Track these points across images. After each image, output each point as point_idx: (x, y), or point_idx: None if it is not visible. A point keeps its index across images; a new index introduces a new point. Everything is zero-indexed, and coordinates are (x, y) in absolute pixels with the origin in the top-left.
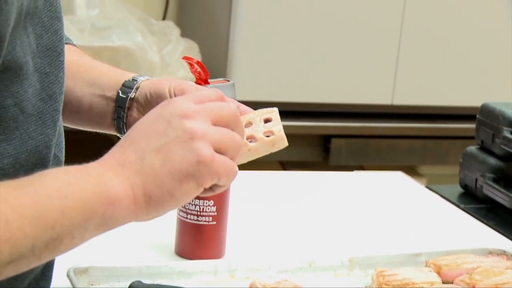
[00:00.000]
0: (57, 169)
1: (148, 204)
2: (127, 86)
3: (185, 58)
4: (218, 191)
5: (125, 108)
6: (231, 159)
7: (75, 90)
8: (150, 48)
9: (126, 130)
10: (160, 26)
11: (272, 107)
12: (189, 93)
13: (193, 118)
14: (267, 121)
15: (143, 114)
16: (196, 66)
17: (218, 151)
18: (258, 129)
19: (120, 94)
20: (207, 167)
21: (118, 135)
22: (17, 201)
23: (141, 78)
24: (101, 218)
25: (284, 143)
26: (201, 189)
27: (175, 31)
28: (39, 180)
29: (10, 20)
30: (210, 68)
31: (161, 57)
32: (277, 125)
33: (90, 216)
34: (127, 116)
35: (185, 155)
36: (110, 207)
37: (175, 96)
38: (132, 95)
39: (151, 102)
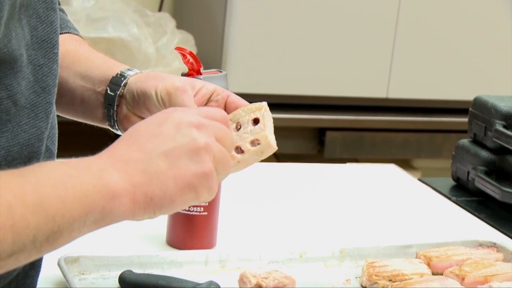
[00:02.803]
0: (57, 162)
1: (148, 205)
2: (114, 83)
3: (177, 48)
4: (196, 203)
5: (114, 105)
6: (220, 180)
7: (69, 81)
8: (145, 39)
9: (118, 126)
10: (156, 18)
11: (261, 101)
12: (177, 97)
13: (202, 130)
14: (256, 121)
15: (132, 112)
16: (188, 56)
17: (215, 168)
18: (246, 136)
19: (109, 91)
20: (207, 180)
21: (112, 129)
22: (19, 188)
23: (130, 72)
24: (100, 213)
25: (272, 149)
26: (198, 202)
27: (171, 23)
28: (40, 170)
29: (3, 12)
30: (205, 60)
31: (156, 49)
32: (264, 129)
33: (90, 209)
34: (117, 113)
35: (191, 165)
36: (110, 202)
37: (161, 99)
38: (119, 92)
39: (138, 101)
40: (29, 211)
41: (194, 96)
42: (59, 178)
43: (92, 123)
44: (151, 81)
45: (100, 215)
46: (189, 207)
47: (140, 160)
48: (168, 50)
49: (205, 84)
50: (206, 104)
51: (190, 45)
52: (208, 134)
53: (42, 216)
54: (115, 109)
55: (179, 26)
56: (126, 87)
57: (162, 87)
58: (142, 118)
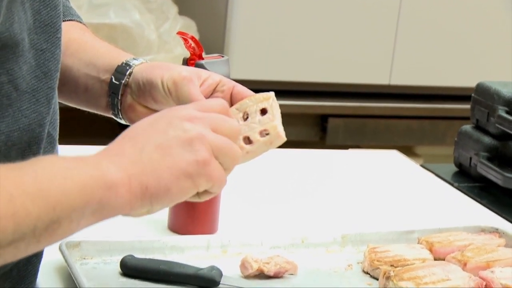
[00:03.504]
0: (53, 156)
1: (144, 196)
2: (119, 72)
3: (179, 33)
4: (204, 198)
5: (118, 94)
6: (226, 169)
7: (72, 69)
8: (147, 25)
9: (121, 115)
10: (158, 4)
11: (265, 89)
12: (183, 87)
13: (194, 122)
14: (263, 111)
15: (137, 101)
16: (190, 41)
17: (216, 157)
18: (254, 126)
19: (113, 80)
20: (204, 169)
21: (115, 118)
22: (19, 179)
23: (135, 61)
24: (98, 203)
25: (282, 140)
26: (196, 190)
27: (173, 9)
28: (37, 163)
29: None
30: (207, 46)
31: (159, 35)
32: (273, 120)
33: (89, 200)
34: (121, 102)
35: (184, 154)
36: (107, 192)
37: (168, 88)
38: (124, 81)
39: (143, 90)
40: (29, 201)
41: (200, 86)
42: (57, 169)
43: (95, 112)
44: (157, 71)
45: (98, 205)
46: None
47: (133, 152)
48: (170, 36)
49: (211, 75)
50: (211, 95)
51: (192, 31)
52: (203, 125)
53: (42, 206)
54: (119, 98)
55: (181, 12)
56: (131, 76)
57: (168, 77)
58: (147, 107)
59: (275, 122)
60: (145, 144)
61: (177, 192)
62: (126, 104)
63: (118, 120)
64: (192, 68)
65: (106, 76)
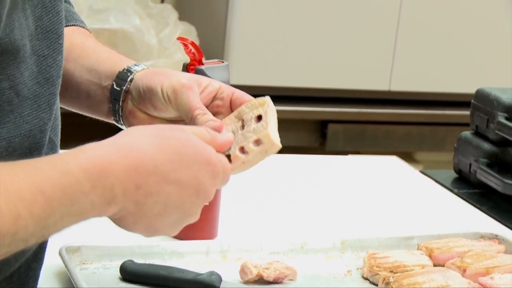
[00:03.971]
0: (76, 167)
1: (114, 220)
2: (121, 78)
3: (179, 38)
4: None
5: (119, 100)
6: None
7: (74, 75)
8: (147, 31)
9: (123, 121)
10: (158, 9)
11: (264, 94)
12: (183, 94)
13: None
14: (259, 118)
15: (137, 107)
16: (190, 46)
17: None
18: (249, 135)
19: (115, 86)
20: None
21: (117, 124)
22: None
23: (137, 68)
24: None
25: (276, 147)
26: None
27: (173, 15)
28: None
29: (6, 2)
30: (207, 52)
31: (159, 40)
32: (266, 128)
33: (79, 218)
34: (122, 108)
35: (172, 229)
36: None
37: (167, 96)
38: (125, 88)
39: (143, 97)
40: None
41: (200, 93)
42: (73, 191)
43: (97, 117)
44: (157, 78)
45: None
46: None
47: (141, 197)
48: (171, 41)
49: (211, 82)
50: (211, 103)
51: (193, 37)
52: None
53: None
54: (120, 104)
55: (182, 17)
56: (132, 83)
57: (168, 84)
58: (147, 114)
59: (268, 130)
60: (156, 198)
61: (136, 232)
62: (127, 110)
63: (120, 126)
64: (192, 75)
65: (107, 83)
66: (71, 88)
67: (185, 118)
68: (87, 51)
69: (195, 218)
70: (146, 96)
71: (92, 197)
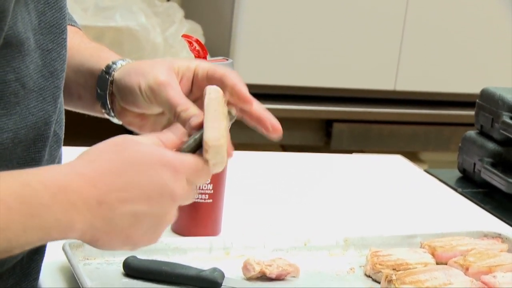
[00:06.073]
0: (36, 181)
1: (89, 242)
2: (102, 80)
3: (184, 36)
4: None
5: (107, 103)
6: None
7: (66, 76)
8: (153, 29)
9: (118, 117)
10: (164, 8)
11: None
12: (161, 93)
13: (179, 201)
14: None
15: (124, 107)
16: (195, 44)
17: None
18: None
19: (99, 92)
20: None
21: (114, 121)
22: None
23: (114, 66)
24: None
25: (214, 148)
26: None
27: (179, 13)
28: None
29: None
30: (213, 50)
31: (165, 38)
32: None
33: (44, 236)
34: (113, 109)
35: (150, 237)
36: (62, 234)
37: (147, 96)
38: (108, 91)
39: (126, 99)
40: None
41: (180, 82)
42: (34, 206)
43: (95, 115)
44: (134, 78)
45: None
46: None
47: (108, 211)
48: (176, 40)
49: (188, 66)
50: (192, 85)
51: (198, 35)
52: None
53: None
54: (109, 107)
55: (187, 16)
56: (114, 85)
57: (145, 85)
58: (136, 113)
59: (204, 138)
60: (122, 209)
61: (113, 248)
62: (117, 110)
63: (117, 122)
64: (168, 64)
65: (92, 84)
66: (64, 90)
67: (170, 116)
68: (72, 51)
69: (170, 219)
70: (128, 98)
71: (55, 212)
